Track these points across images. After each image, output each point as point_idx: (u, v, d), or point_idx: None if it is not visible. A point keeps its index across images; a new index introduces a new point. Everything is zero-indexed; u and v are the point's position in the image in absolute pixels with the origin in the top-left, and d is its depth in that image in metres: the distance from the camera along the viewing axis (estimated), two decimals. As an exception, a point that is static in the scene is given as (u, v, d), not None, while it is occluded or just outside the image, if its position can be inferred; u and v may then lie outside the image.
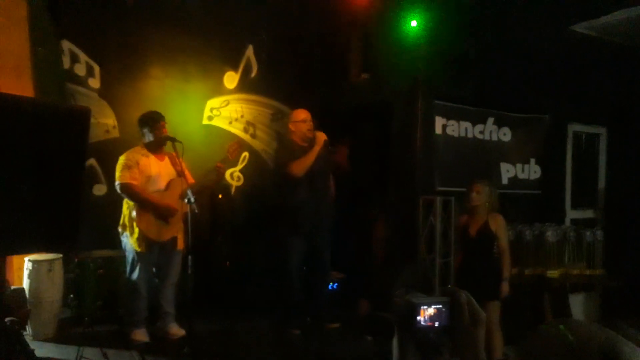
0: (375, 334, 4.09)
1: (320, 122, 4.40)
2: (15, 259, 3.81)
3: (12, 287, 3.45)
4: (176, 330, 3.90)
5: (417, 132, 4.82)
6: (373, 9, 5.01)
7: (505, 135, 5.45)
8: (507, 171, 5.45)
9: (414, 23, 4.69)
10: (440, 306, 3.25)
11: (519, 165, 5.52)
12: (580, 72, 5.29)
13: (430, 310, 3.23)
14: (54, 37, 4.56)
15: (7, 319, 2.60)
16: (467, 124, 5.22)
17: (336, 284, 4.89)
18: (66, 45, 4.71)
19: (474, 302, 3.46)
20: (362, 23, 5.29)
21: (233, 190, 5.49)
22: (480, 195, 4.04)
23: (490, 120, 5.35)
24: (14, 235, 2.14)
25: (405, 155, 4.87)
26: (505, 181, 5.41)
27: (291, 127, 4.22)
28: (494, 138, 5.38)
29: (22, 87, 3.96)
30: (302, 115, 4.19)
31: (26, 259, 3.74)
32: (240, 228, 5.18)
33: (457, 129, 5.16)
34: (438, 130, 5.03)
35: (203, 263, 3.84)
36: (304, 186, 4.05)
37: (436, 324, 3.23)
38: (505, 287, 3.93)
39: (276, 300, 4.36)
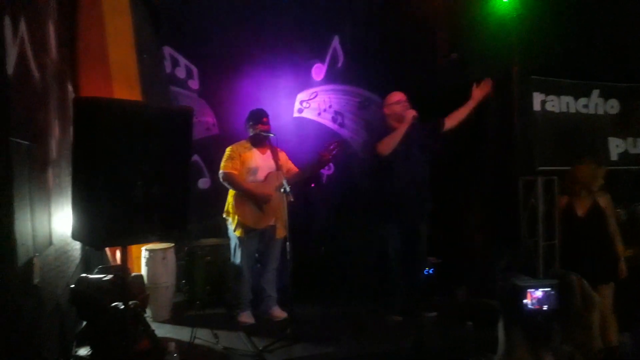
0: (476, 320, 3.99)
1: (414, 105, 4.32)
2: (133, 248, 4.19)
3: (133, 274, 3.80)
4: (279, 313, 4.09)
5: (514, 110, 4.60)
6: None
7: (613, 107, 5.03)
8: (617, 146, 5.03)
9: (505, -4, 4.46)
10: (549, 289, 3.10)
11: (629, 140, 5.07)
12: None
13: (538, 293, 3.09)
14: (156, 44, 4.93)
15: (130, 302, 2.89)
16: (569, 99, 4.88)
17: (432, 269, 4.82)
18: (167, 50, 5.09)
19: (587, 284, 3.25)
20: (449, 1, 5.13)
21: (325, 178, 5.61)
22: (587, 173, 3.78)
23: (595, 92, 4.96)
24: (133, 228, 2.36)
25: (502, 135, 4.67)
26: (614, 157, 5.00)
27: (385, 110, 4.15)
28: (600, 112, 4.98)
29: (132, 92, 4.33)
30: (395, 97, 4.11)
31: (143, 248, 4.11)
32: (332, 215, 5.28)
33: (557, 104, 4.84)
34: (536, 106, 4.76)
35: (300, 249, 3.97)
36: (401, 170, 3.96)
37: (544, 308, 3.08)
38: (623, 268, 3.67)
39: (374, 286, 4.40)
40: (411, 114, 3.95)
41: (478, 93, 4.10)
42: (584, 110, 4.93)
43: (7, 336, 1.80)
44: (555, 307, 3.09)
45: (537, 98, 4.75)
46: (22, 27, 2.29)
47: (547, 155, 4.74)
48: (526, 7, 4.46)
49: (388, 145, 3.90)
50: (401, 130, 3.92)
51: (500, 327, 3.19)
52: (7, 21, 2.04)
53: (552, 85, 4.81)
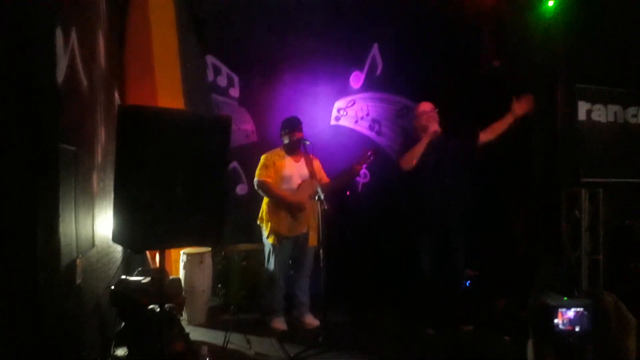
0: (513, 334, 3.88)
1: (452, 114, 4.26)
2: (172, 252, 4.31)
3: (171, 277, 3.90)
4: (311, 320, 4.11)
5: (557, 119, 4.47)
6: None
7: (665, 117, 4.80)
8: (669, 159, 4.78)
9: (550, 2, 4.35)
10: (582, 309, 2.98)
11: (686, 152, 4.82)
12: None
13: (570, 314, 2.97)
14: (199, 53, 5.07)
15: (166, 305, 2.96)
16: (617, 108, 4.69)
17: (469, 282, 4.72)
18: (210, 60, 5.22)
19: (623, 306, 3.10)
20: (493, 6, 5.02)
21: (360, 187, 5.59)
22: None
23: (646, 101, 4.75)
24: (172, 232, 2.41)
25: (545, 144, 4.54)
26: (666, 170, 4.76)
27: (413, 121, 4.17)
28: (651, 121, 4.76)
29: (175, 100, 4.47)
30: (421, 107, 4.09)
31: (181, 252, 4.22)
32: (368, 224, 5.26)
33: (604, 113, 4.67)
34: (581, 116, 4.60)
35: (334, 257, 3.98)
36: (430, 180, 3.92)
37: (577, 329, 2.97)
38: None
39: (408, 297, 4.35)
40: (432, 129, 3.90)
41: (518, 108, 3.99)
42: (632, 120, 4.73)
43: (51, 335, 1.88)
44: (589, 328, 2.96)
45: (583, 107, 4.59)
46: (73, 37, 2.41)
47: (593, 166, 4.56)
48: (572, 13, 4.33)
49: (408, 160, 3.89)
50: (421, 145, 3.89)
51: (530, 346, 3.09)
52: (59, 32, 2.15)
53: (598, 94, 4.64)
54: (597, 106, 4.64)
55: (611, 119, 4.68)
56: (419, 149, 3.88)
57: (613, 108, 4.69)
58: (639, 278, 3.88)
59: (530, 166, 4.68)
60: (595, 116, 4.63)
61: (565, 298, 3.09)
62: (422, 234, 4.02)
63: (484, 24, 5.28)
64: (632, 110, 4.74)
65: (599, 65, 4.50)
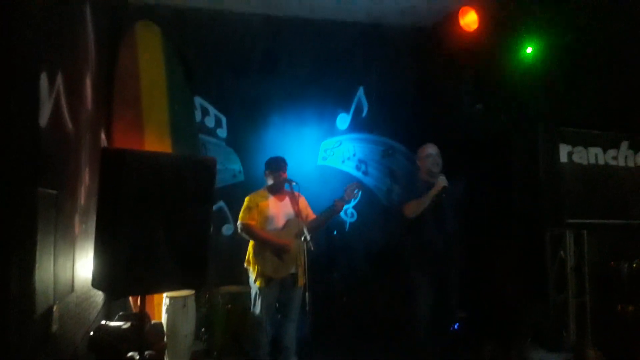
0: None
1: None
2: (155, 295, 4.21)
3: (152, 322, 3.79)
4: (297, 366, 4.01)
5: (539, 161, 4.54)
6: (485, 39, 4.89)
7: (644, 160, 4.91)
8: (649, 200, 4.87)
9: (529, 50, 4.50)
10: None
11: (663, 193, 4.91)
12: None
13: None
14: (188, 94, 5.12)
15: (146, 353, 2.87)
16: (597, 150, 4.80)
17: (457, 324, 4.66)
18: (198, 101, 5.28)
19: (604, 359, 3.07)
20: (474, 53, 5.18)
21: (347, 226, 5.58)
22: None
23: (625, 144, 4.87)
24: (153, 276, 2.37)
25: (528, 186, 4.60)
26: (647, 210, 4.83)
27: (418, 163, 4.17)
28: (630, 164, 4.87)
29: (162, 141, 4.48)
30: (426, 150, 4.13)
31: (164, 295, 4.13)
32: (356, 264, 5.22)
33: (585, 155, 4.77)
34: (563, 158, 4.69)
35: (321, 299, 3.92)
36: (430, 226, 3.93)
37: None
38: None
39: (397, 339, 4.28)
40: (441, 184, 3.91)
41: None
42: (613, 162, 4.84)
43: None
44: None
45: (564, 149, 4.69)
46: (59, 80, 2.42)
47: (576, 207, 4.62)
48: (552, 59, 4.47)
49: (414, 210, 3.89)
50: (428, 198, 3.90)
51: None
52: (44, 77, 2.16)
53: (579, 137, 4.76)
54: (578, 148, 4.75)
55: (592, 161, 4.78)
56: (426, 200, 3.89)
57: (594, 150, 4.79)
58: (625, 320, 3.86)
59: (514, 207, 4.73)
60: (576, 158, 4.73)
61: (548, 352, 3.05)
62: (421, 276, 3.98)
63: (466, 68, 5.43)
64: (611, 152, 4.85)
65: (579, 108, 4.62)
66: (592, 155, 4.78)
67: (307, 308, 3.61)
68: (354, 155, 5.72)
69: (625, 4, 4.25)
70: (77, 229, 2.86)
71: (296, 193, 3.93)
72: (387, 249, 4.54)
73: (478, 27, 4.74)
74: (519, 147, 4.71)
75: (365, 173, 5.73)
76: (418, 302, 3.98)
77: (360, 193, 4.10)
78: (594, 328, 4.19)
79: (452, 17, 4.95)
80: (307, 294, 3.63)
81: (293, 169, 4.24)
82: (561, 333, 3.90)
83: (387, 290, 4.73)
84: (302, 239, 3.63)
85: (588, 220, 4.32)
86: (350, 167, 5.71)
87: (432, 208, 3.93)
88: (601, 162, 4.80)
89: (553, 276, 4.23)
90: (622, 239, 4.64)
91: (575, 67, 4.47)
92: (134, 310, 3.89)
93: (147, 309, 3.34)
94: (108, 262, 2.25)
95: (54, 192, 2.32)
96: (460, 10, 4.77)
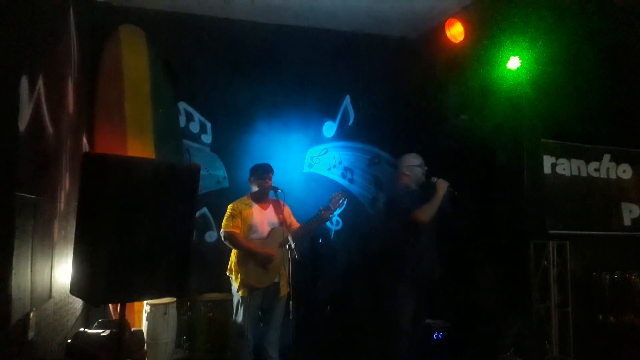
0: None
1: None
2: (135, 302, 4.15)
3: (132, 329, 3.73)
4: (279, 375, 3.96)
5: (523, 172, 4.58)
6: (471, 50, 4.94)
7: (626, 172, 4.98)
8: (630, 212, 4.94)
9: (515, 61, 4.54)
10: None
11: (644, 205, 4.98)
12: None
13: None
14: (172, 99, 5.08)
15: (126, 360, 2.81)
16: (580, 162, 4.86)
17: (441, 333, 4.67)
18: (182, 106, 5.23)
19: None
20: (460, 64, 5.23)
21: (332, 234, 5.57)
22: None
23: (607, 157, 4.94)
24: (134, 284, 2.32)
25: (511, 197, 4.63)
26: (628, 222, 4.90)
27: (405, 171, 4.16)
28: (612, 176, 4.93)
29: (145, 146, 4.42)
30: (414, 160, 4.16)
31: (145, 302, 4.07)
32: (340, 272, 5.19)
33: (568, 167, 4.82)
34: (547, 169, 4.74)
35: (305, 308, 3.89)
36: (425, 233, 3.94)
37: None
38: None
39: (380, 348, 4.25)
40: (445, 184, 3.95)
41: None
42: (595, 174, 4.90)
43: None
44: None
45: (548, 161, 4.74)
46: (40, 84, 2.38)
47: (559, 219, 4.66)
48: (537, 71, 4.52)
49: (429, 213, 3.88)
50: (437, 199, 3.91)
51: None
52: (24, 80, 2.13)
53: (562, 149, 4.81)
54: (562, 160, 4.80)
55: (575, 172, 4.83)
56: (437, 201, 3.90)
57: (577, 162, 4.85)
58: (606, 331, 3.89)
59: (498, 218, 4.76)
60: (560, 170, 4.78)
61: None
62: (408, 284, 3.95)
63: (452, 79, 5.47)
64: (594, 164, 4.91)
65: (562, 121, 4.67)
66: (575, 167, 4.83)
67: (291, 317, 3.57)
68: (340, 163, 5.73)
69: (610, 18, 4.33)
70: (56, 235, 2.80)
71: (281, 202, 3.90)
72: (374, 257, 4.51)
73: (464, 39, 4.79)
74: (503, 158, 4.74)
75: (351, 181, 5.73)
76: (402, 312, 3.97)
77: (345, 202, 4.10)
78: (575, 339, 4.22)
79: (438, 28, 4.99)
80: (290, 302, 3.60)
81: (279, 176, 4.22)
82: (544, 343, 3.91)
83: (371, 297, 4.70)
84: (287, 247, 3.60)
85: (571, 232, 4.36)
86: (336, 175, 5.70)
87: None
88: (584, 174, 4.85)
89: (536, 287, 4.25)
90: (604, 250, 4.70)
91: (558, 80, 4.52)
92: (114, 317, 3.82)
93: (127, 316, 3.29)
94: (87, 268, 2.20)
95: (33, 197, 2.27)
96: (447, 22, 4.81)
